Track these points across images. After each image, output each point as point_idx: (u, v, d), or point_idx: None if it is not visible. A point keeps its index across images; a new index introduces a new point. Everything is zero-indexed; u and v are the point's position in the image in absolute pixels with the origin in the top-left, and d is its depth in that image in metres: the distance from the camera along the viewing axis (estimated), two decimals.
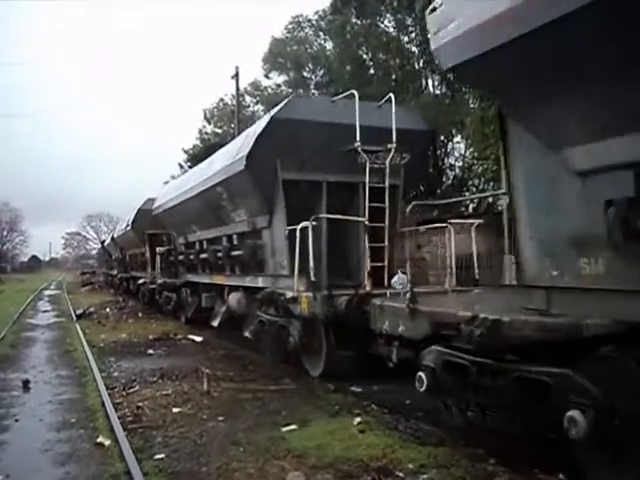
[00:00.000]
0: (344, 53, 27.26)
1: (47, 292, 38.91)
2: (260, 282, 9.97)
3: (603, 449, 4.12)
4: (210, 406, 7.10)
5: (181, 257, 15.69)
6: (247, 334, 10.37)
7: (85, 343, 12.54)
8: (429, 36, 4.95)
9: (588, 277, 4.34)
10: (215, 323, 12.92)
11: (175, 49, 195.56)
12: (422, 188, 25.30)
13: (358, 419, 6.22)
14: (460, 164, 25.05)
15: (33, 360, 11.02)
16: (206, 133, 41.92)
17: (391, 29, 27.47)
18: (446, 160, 25.28)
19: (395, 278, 8.39)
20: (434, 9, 4.90)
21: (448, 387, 5.22)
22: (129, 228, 23.10)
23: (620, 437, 3.99)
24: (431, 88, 25.08)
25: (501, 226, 6.11)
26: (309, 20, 32.34)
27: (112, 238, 32.16)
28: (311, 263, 7.89)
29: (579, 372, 4.13)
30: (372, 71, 26.45)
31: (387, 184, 8.55)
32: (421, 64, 24.92)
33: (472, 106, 19.44)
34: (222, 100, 41.28)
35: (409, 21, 26.07)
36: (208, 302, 13.60)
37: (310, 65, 31.70)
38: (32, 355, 11.72)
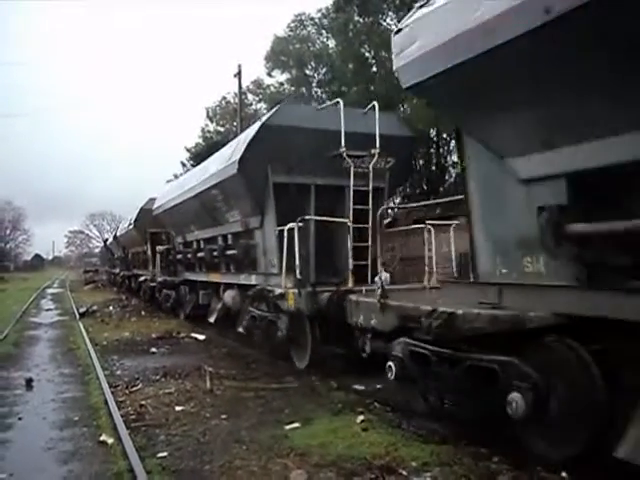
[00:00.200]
0: (346, 51, 27.24)
1: (50, 290, 38.99)
2: (253, 280, 10.41)
3: (541, 427, 4.62)
4: (213, 404, 7.11)
5: (180, 256, 16.13)
6: (240, 329, 10.87)
7: (88, 341, 12.56)
8: (393, 56, 5.37)
9: (531, 274, 4.87)
10: (212, 319, 13.41)
11: (177, 48, 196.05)
12: (425, 187, 25.44)
13: (361, 417, 6.22)
14: None
15: (36, 358, 11.04)
16: (209, 131, 41.93)
17: (393, 27, 27.40)
18: (449, 158, 25.24)
19: (378, 276, 8.65)
20: (399, 30, 5.34)
21: (414, 375, 5.78)
22: (131, 227, 23.42)
23: (555, 416, 4.49)
24: None
25: None
26: (311, 18, 32.28)
27: (114, 237, 32.36)
28: (297, 261, 8.37)
29: (522, 360, 4.64)
30: (374, 69, 26.41)
31: (371, 187, 8.98)
32: None
33: None
34: (224, 98, 41.28)
35: None
36: (205, 299, 14.20)
37: (312, 63, 31.64)
38: (35, 353, 11.74)
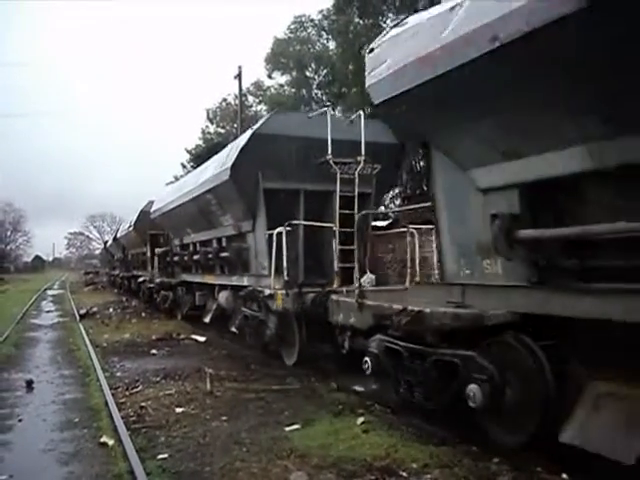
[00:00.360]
0: (347, 53, 27.35)
1: (50, 292, 38.79)
2: (245, 281, 10.89)
3: (497, 415, 5.05)
4: (213, 406, 7.13)
5: (176, 258, 16.61)
6: (233, 328, 11.44)
7: (88, 343, 12.59)
8: (365, 75, 5.83)
9: (490, 275, 5.32)
10: (207, 319, 13.94)
11: (178, 49, 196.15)
12: (424, 187, 25.39)
13: (361, 419, 6.25)
14: None
15: (36, 360, 11.07)
16: (209, 133, 42.11)
17: None
18: None
19: (364, 277, 9.13)
20: (372, 50, 5.80)
21: (388, 370, 6.28)
22: (131, 229, 23.82)
23: (510, 405, 4.92)
24: None
25: None
26: (312, 20, 32.43)
27: (115, 238, 32.65)
28: (284, 264, 8.85)
29: (481, 354, 5.10)
30: None
31: (356, 193, 9.36)
32: None
33: None
34: (225, 100, 41.50)
35: None
36: (201, 300, 14.69)
37: (313, 65, 31.76)
38: (35, 355, 11.77)
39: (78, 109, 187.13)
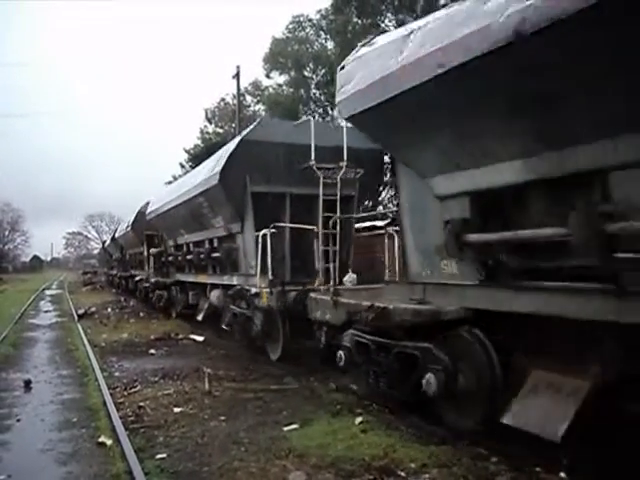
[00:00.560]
0: (345, 52, 27.13)
1: (49, 292, 38.88)
2: (235, 280, 11.48)
3: (451, 402, 5.61)
4: (211, 406, 7.16)
5: (171, 258, 17.16)
6: (223, 325, 11.89)
7: (87, 343, 12.64)
8: (336, 91, 6.37)
9: (447, 275, 5.87)
10: (199, 317, 14.51)
11: (176, 49, 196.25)
12: None
13: (360, 418, 6.29)
14: None
15: (35, 360, 11.12)
16: (207, 133, 42.12)
17: (392, 28, 27.47)
18: None
19: (346, 277, 9.67)
20: (343, 67, 6.34)
21: (358, 362, 6.82)
22: (129, 229, 24.24)
23: (462, 393, 5.47)
24: None
25: None
26: (310, 20, 32.48)
27: (113, 238, 32.86)
28: (269, 264, 9.42)
29: (437, 346, 5.66)
30: None
31: (338, 197, 9.79)
32: None
33: None
34: (223, 100, 41.54)
35: (410, 21, 26.05)
36: (194, 299, 15.36)
37: (311, 65, 31.81)
38: (34, 355, 11.81)
39: (78, 109, 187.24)
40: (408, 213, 6.53)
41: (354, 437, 5.69)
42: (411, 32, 5.18)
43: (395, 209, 6.84)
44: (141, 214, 21.41)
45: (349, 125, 9.64)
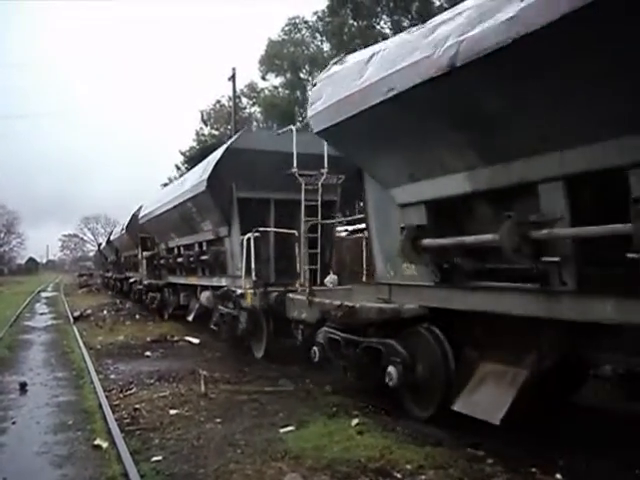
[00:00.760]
0: (341, 54, 27.28)
1: (44, 294, 38.72)
2: (223, 282, 12.06)
3: (410, 392, 6.26)
4: (207, 408, 7.17)
5: (163, 261, 17.76)
6: (212, 325, 12.39)
7: (82, 345, 12.66)
8: (308, 107, 6.94)
9: (408, 276, 6.47)
10: (190, 318, 15.12)
11: (172, 51, 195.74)
12: None
13: (356, 420, 6.32)
14: None
15: (30, 362, 11.11)
16: (203, 135, 42.24)
17: (387, 30, 27.68)
18: None
19: (327, 278, 10.38)
20: (315, 84, 6.92)
21: (331, 357, 7.41)
22: (124, 231, 24.74)
23: (420, 384, 6.10)
24: None
25: None
26: (306, 22, 32.66)
27: (108, 241, 33.04)
28: (253, 266, 9.98)
29: (397, 341, 6.30)
30: None
31: (319, 202, 10.22)
32: None
33: None
34: (219, 102, 41.69)
35: (405, 22, 26.29)
36: (185, 300, 16.03)
37: (307, 67, 31.95)
38: (29, 357, 11.81)
39: (78, 109, 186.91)
40: (374, 219, 7.13)
41: (350, 439, 5.73)
42: (372, 55, 5.80)
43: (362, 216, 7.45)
44: (135, 217, 21.81)
45: None
